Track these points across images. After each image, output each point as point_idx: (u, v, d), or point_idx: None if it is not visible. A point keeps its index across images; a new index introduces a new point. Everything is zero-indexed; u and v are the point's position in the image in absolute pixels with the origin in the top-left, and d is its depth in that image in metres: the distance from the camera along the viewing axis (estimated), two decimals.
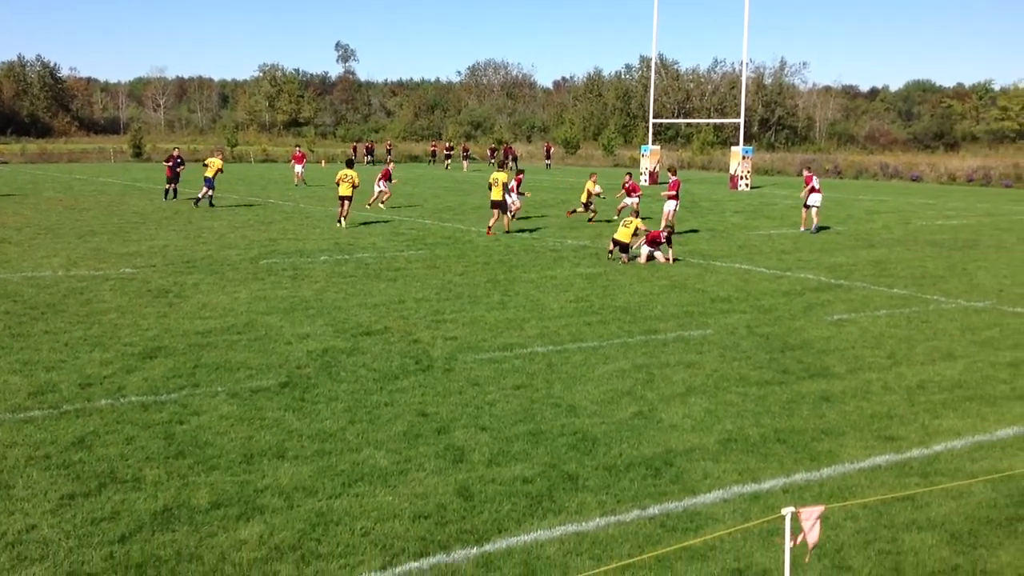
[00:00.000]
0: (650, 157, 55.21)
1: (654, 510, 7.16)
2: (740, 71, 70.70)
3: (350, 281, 17.28)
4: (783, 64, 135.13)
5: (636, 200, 29.07)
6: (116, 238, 23.32)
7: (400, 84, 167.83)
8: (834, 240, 25.53)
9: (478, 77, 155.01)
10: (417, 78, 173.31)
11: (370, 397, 9.93)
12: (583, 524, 6.88)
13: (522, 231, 26.28)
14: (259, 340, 12.42)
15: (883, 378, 11.06)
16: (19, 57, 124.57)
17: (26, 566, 6.12)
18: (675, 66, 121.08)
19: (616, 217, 28.59)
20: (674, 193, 26.56)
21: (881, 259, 21.58)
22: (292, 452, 8.26)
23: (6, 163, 66.67)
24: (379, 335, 12.84)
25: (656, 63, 72.41)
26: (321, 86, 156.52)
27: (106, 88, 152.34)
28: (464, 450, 8.37)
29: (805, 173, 29.51)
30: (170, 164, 35.87)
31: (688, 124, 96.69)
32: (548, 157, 76.10)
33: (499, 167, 29.57)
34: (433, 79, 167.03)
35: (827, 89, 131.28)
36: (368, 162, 70.39)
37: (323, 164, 68.33)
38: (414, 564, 6.23)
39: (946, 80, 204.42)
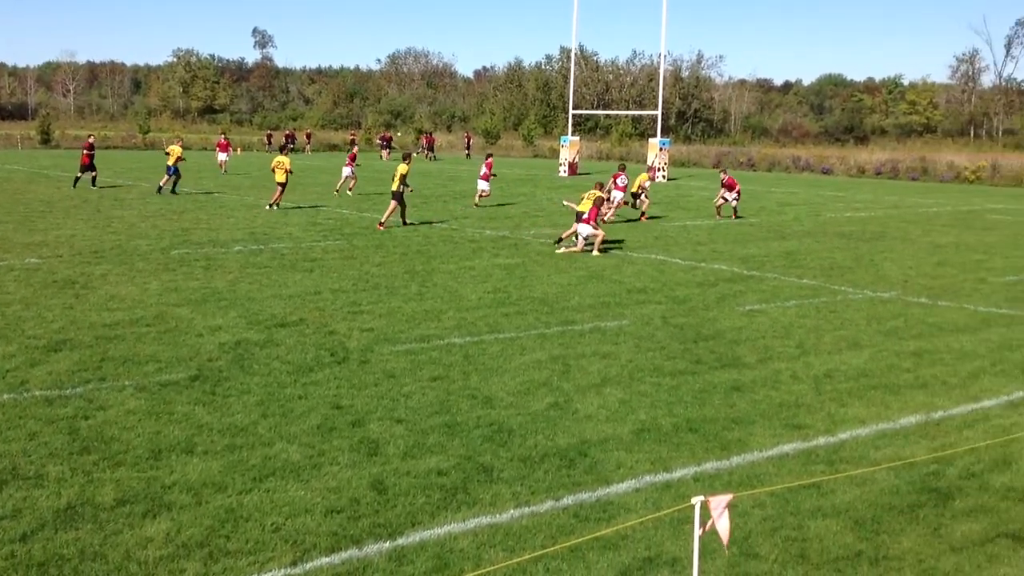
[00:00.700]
0: (569, 148, 55.53)
1: (568, 500, 7.21)
2: (658, 63, 71.47)
3: (265, 272, 17.02)
4: (700, 57, 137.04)
5: (620, 197, 29.03)
6: (21, 227, 22.59)
7: (319, 71, 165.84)
8: (747, 232, 26.01)
9: (398, 65, 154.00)
10: (336, 65, 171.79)
11: (283, 390, 9.79)
12: (497, 516, 6.89)
13: (439, 222, 26.18)
14: (169, 332, 12.15)
15: (792, 367, 11.31)
16: None
17: None
18: (595, 58, 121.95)
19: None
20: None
21: (792, 250, 22.06)
22: (201, 447, 8.10)
23: None
24: (294, 327, 12.67)
25: (576, 54, 72.76)
26: (237, 72, 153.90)
27: (14, 72, 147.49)
28: (379, 443, 8.31)
29: (726, 177, 29.73)
30: (88, 152, 34.90)
31: (607, 116, 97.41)
32: (468, 147, 76.05)
33: (405, 159, 29.05)
34: (353, 67, 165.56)
35: (742, 82, 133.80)
36: (289, 150, 69.36)
37: (238, 151, 67.30)
38: (325, 559, 6.16)
39: (857, 74, 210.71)
